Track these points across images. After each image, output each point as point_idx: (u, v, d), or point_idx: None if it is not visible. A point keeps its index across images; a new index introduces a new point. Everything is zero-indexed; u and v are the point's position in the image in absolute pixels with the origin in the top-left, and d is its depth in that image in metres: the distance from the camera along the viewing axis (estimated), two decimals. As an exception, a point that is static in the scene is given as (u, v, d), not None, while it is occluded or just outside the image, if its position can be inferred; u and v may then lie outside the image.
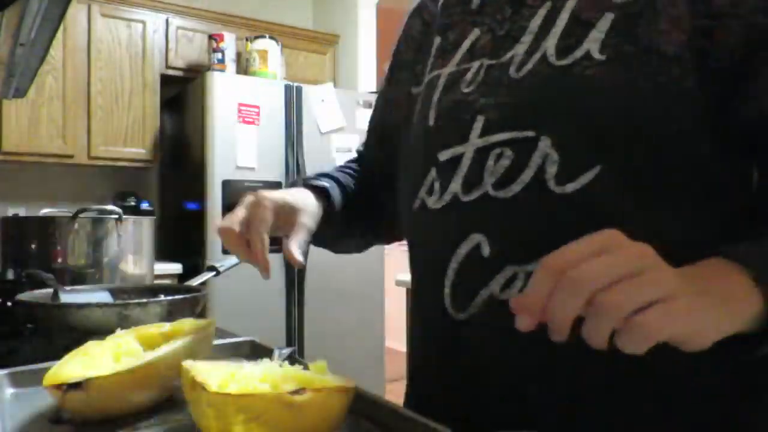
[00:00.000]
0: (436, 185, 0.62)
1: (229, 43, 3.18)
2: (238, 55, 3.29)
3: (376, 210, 0.84)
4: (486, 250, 0.56)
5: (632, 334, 0.37)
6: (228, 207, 2.77)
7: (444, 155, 0.62)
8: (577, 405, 0.53)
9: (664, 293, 0.38)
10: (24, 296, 0.89)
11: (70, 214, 1.30)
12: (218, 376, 0.51)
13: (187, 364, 0.51)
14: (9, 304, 1.00)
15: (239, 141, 2.81)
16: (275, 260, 2.69)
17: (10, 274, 1.28)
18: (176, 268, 2.89)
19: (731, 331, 0.42)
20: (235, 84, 2.86)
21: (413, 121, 0.70)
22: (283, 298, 2.88)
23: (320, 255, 3.44)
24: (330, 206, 0.76)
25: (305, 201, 0.73)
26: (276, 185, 2.89)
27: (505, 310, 0.50)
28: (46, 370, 0.55)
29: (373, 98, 3.22)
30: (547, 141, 0.53)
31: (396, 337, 4.29)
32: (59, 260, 1.28)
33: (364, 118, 3.17)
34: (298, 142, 2.96)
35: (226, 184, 2.78)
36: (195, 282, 1.04)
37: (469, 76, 0.62)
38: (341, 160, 3.06)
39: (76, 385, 0.51)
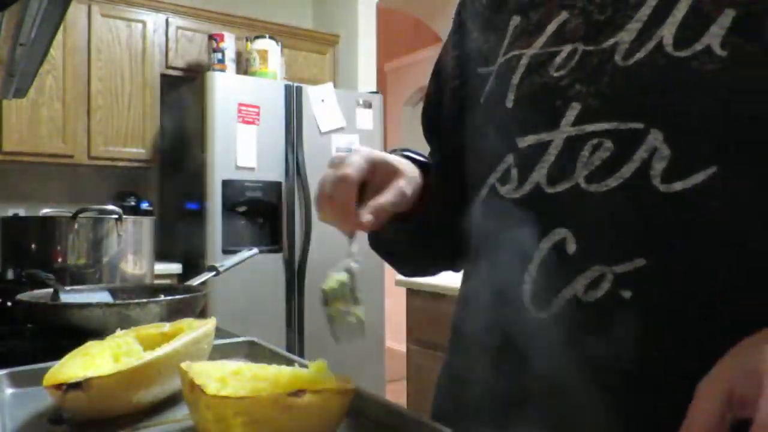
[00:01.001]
0: (513, 173, 0.58)
1: (229, 43, 3.18)
2: (238, 55, 3.29)
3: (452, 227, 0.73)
4: (571, 247, 0.53)
5: None
6: (228, 207, 2.78)
7: (525, 141, 0.58)
8: (665, 421, 0.46)
9: None
10: (24, 296, 0.89)
11: (70, 214, 1.30)
12: (216, 378, 0.51)
13: (186, 365, 0.51)
14: (9, 304, 1.00)
15: (239, 141, 2.81)
16: (276, 260, 2.69)
17: (10, 274, 1.28)
18: (176, 268, 2.89)
19: None
20: (235, 84, 2.86)
21: (480, 102, 0.65)
22: (283, 298, 2.88)
23: (320, 254, 3.43)
24: (427, 187, 0.67)
25: (410, 168, 0.64)
26: (276, 185, 2.89)
27: (589, 313, 0.50)
28: (46, 370, 0.55)
29: (373, 98, 3.22)
30: (658, 135, 0.49)
31: (396, 337, 4.30)
32: (59, 260, 1.28)
33: (364, 117, 3.17)
34: (298, 142, 2.96)
35: (226, 184, 2.78)
36: (195, 282, 1.04)
37: (559, 60, 0.58)
38: (341, 160, 3.06)
39: (76, 385, 0.51)
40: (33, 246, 1.32)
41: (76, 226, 1.29)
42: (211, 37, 3.20)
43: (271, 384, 0.51)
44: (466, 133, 0.68)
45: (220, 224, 2.76)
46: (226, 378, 0.52)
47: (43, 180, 3.19)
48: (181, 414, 0.57)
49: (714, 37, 0.49)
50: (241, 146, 2.82)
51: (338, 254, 0.86)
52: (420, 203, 0.66)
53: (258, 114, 2.87)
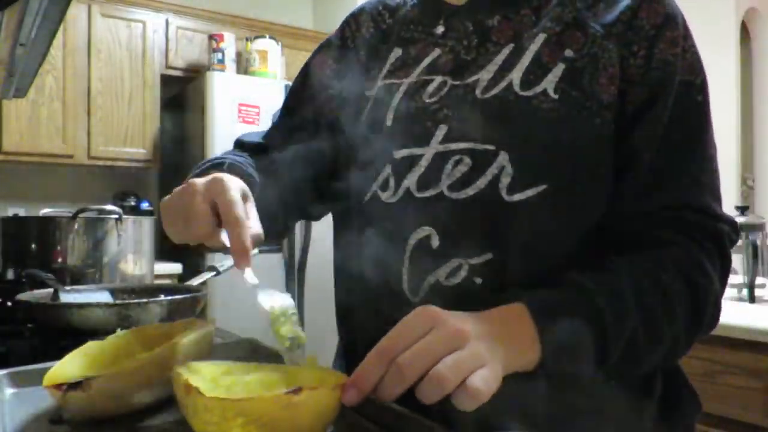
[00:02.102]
0: (391, 181, 0.69)
1: (229, 43, 3.18)
2: (238, 55, 3.29)
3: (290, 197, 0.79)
4: (435, 242, 0.64)
5: (463, 398, 0.46)
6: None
7: (400, 154, 0.68)
8: (514, 395, 0.54)
9: (480, 363, 0.47)
10: (24, 296, 0.89)
11: (70, 214, 1.30)
12: (209, 379, 0.51)
13: (179, 367, 0.51)
14: (9, 304, 1.00)
15: (239, 141, 2.81)
16: (276, 260, 2.69)
17: (10, 274, 1.29)
18: (176, 268, 2.89)
19: (511, 371, 0.51)
20: (235, 84, 2.86)
21: (361, 120, 0.74)
22: (283, 298, 2.87)
23: (320, 254, 3.43)
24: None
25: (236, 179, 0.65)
26: (276, 185, 2.89)
27: (449, 295, 0.62)
28: (46, 370, 0.55)
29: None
30: (505, 156, 0.62)
31: (396, 337, 4.29)
32: (59, 260, 1.28)
33: (364, 118, 3.17)
34: (298, 142, 2.96)
35: (226, 184, 2.77)
36: (195, 282, 1.04)
37: (431, 88, 0.69)
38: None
39: (76, 385, 0.51)
40: (33, 246, 1.32)
41: (76, 226, 1.29)
42: (211, 37, 3.20)
43: (267, 383, 0.51)
44: (342, 143, 0.77)
45: (220, 224, 2.76)
46: (218, 378, 0.52)
47: (43, 180, 3.19)
48: (180, 414, 0.57)
49: (549, 83, 0.63)
50: (241, 146, 2.82)
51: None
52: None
53: (258, 114, 2.87)
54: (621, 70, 0.63)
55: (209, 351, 0.68)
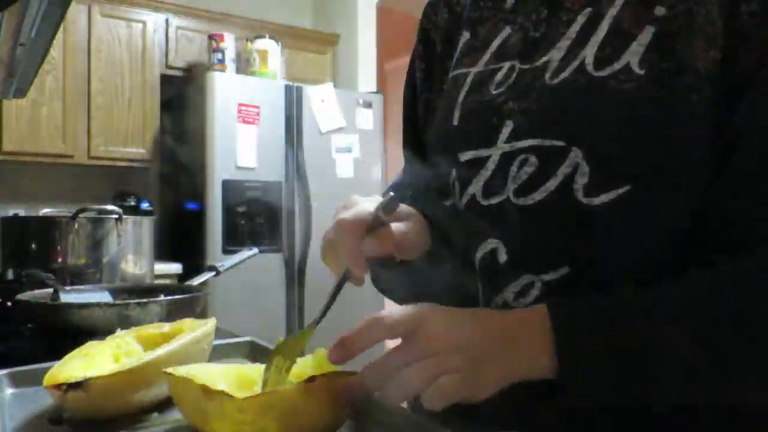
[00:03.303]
0: (456, 186, 0.61)
1: (229, 43, 3.18)
2: (238, 55, 3.29)
3: None
4: (503, 257, 0.56)
5: (428, 396, 0.44)
6: (228, 207, 2.77)
7: (465, 156, 0.60)
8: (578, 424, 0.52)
9: (449, 368, 0.45)
10: (24, 296, 0.89)
11: (70, 214, 1.30)
12: (221, 381, 0.51)
13: (179, 372, 0.51)
14: (9, 304, 1.00)
15: (239, 141, 2.81)
16: (276, 260, 2.69)
17: (10, 274, 1.28)
18: (176, 268, 2.89)
19: (517, 379, 0.47)
20: (235, 84, 2.86)
21: (434, 119, 0.67)
22: (283, 298, 2.87)
23: (320, 254, 3.41)
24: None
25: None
26: (276, 185, 2.89)
27: None
28: (46, 370, 0.55)
29: (373, 98, 3.22)
30: (578, 152, 0.52)
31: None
32: (59, 260, 1.28)
33: (364, 117, 3.17)
34: (298, 142, 2.96)
35: (226, 184, 2.77)
36: (195, 282, 1.04)
37: (498, 77, 0.59)
38: (341, 160, 3.06)
39: (76, 385, 0.51)
40: (33, 246, 1.32)
41: (76, 226, 1.28)
42: (211, 37, 3.20)
43: (269, 380, 0.51)
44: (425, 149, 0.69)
45: (220, 224, 2.76)
46: (221, 378, 0.52)
47: (43, 180, 3.19)
48: (180, 414, 0.57)
49: (633, 54, 0.51)
50: (241, 146, 2.81)
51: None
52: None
53: (258, 114, 2.87)
54: (725, 26, 0.49)
55: (209, 351, 0.68)
